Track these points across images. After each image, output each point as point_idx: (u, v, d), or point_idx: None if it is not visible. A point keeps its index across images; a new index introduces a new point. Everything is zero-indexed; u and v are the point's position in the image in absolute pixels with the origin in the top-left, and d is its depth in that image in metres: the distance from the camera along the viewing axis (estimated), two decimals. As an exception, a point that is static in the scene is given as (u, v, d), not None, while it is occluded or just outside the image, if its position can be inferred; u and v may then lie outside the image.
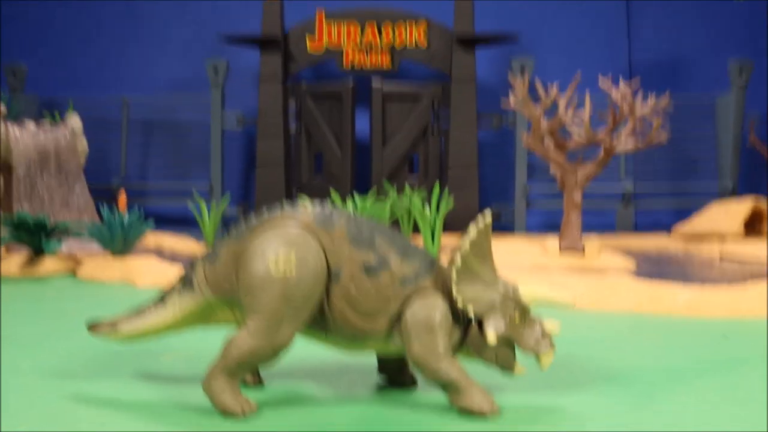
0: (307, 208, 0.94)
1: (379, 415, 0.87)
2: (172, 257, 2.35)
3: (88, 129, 2.94)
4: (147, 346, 1.13)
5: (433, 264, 0.96)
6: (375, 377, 1.01)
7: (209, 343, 1.17)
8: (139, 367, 1.07)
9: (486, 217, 0.94)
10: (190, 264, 0.98)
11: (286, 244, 0.90)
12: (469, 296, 0.92)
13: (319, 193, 2.95)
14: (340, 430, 0.81)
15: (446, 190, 2.53)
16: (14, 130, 2.56)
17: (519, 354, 0.93)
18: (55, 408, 0.86)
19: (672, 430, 0.88)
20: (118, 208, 2.19)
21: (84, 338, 1.11)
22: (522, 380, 0.98)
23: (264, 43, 3.35)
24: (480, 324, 0.92)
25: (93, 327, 0.99)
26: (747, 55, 3.36)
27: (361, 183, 3.26)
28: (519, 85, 2.32)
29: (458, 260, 0.91)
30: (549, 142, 2.29)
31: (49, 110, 3.00)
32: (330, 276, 0.91)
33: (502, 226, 3.26)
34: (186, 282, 0.97)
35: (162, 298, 0.99)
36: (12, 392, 0.91)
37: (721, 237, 2.57)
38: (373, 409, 0.89)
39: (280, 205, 0.97)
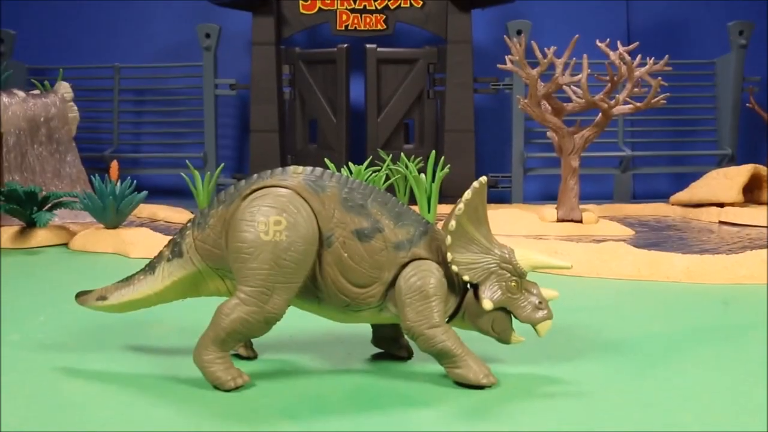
0: (297, 171, 0.92)
1: (374, 387, 0.85)
2: (166, 228, 2.33)
3: (79, 98, 2.90)
4: (137, 318, 1.12)
5: (427, 229, 0.93)
6: (370, 349, 0.99)
7: (201, 314, 1.15)
8: (130, 339, 1.05)
9: (482, 181, 0.91)
10: (179, 231, 0.95)
11: (276, 208, 0.87)
12: (465, 261, 0.89)
13: (313, 161, 2.92)
14: (333, 402, 0.79)
15: (442, 157, 2.50)
16: (2, 98, 2.52)
17: (516, 323, 0.91)
18: (44, 380, 0.85)
19: (673, 396, 0.86)
20: (110, 178, 2.16)
21: (75, 310, 1.09)
22: (519, 349, 0.96)
23: (256, 6, 3.30)
24: (476, 291, 0.90)
25: (81, 297, 0.97)
26: (747, 18, 3.33)
27: (357, 150, 3.23)
28: (515, 47, 2.28)
29: (453, 224, 0.88)
30: (546, 106, 2.26)
31: (37, 78, 2.95)
32: (321, 241, 0.88)
33: (500, 195, 3.24)
34: (175, 249, 0.94)
35: (151, 266, 0.96)
36: (2, 365, 0.89)
37: (720, 204, 2.55)
38: (368, 380, 0.88)
39: (270, 169, 0.94)
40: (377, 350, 0.99)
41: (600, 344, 1.09)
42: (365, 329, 1.01)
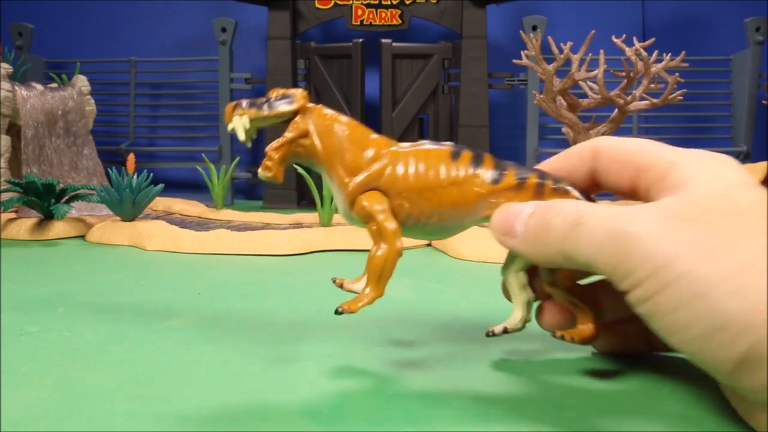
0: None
1: (393, 385, 0.86)
2: (182, 221, 2.35)
3: (96, 92, 2.92)
4: (153, 310, 1.13)
5: None
6: (389, 347, 0.99)
7: (218, 303, 1.16)
8: (145, 330, 1.06)
9: None
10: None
11: None
12: None
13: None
14: (352, 400, 0.80)
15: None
16: (21, 91, 2.54)
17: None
18: (64, 372, 0.86)
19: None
20: (126, 170, 2.18)
21: (93, 302, 1.10)
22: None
23: (272, 0, 3.32)
24: None
25: None
26: (764, 15, 3.31)
27: (371, 145, 3.24)
28: (531, 42, 2.28)
29: None
30: (561, 102, 2.26)
31: (55, 72, 2.98)
32: None
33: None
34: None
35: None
36: (21, 356, 0.91)
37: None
38: (387, 379, 0.88)
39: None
40: (395, 348, 0.99)
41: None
42: (380, 327, 1.01)
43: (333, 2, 3.34)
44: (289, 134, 0.70)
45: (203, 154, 2.91)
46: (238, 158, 2.84)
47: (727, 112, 3.43)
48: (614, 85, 2.32)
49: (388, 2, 3.29)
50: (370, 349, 0.95)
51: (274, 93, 0.72)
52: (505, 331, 0.77)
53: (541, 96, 2.26)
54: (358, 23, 3.32)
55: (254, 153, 3.88)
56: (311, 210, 2.68)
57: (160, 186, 2.22)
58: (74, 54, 3.73)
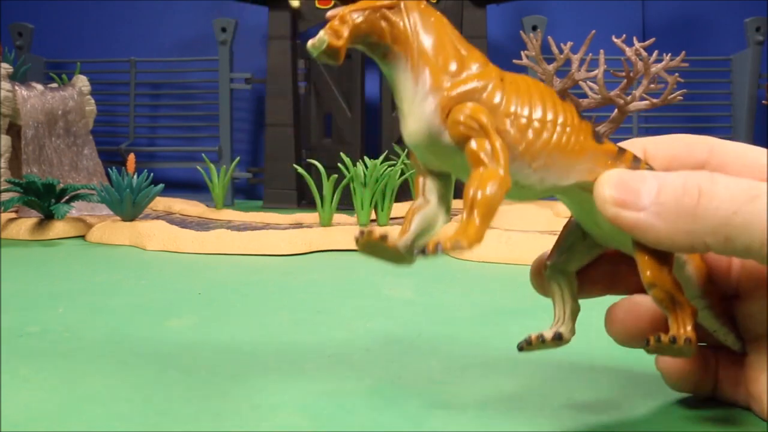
0: None
1: (393, 386, 0.86)
2: (182, 221, 2.35)
3: (96, 92, 2.92)
4: (152, 311, 1.13)
5: None
6: (388, 346, 0.99)
7: (218, 307, 1.16)
8: (145, 330, 1.06)
9: None
10: None
11: None
12: None
13: (328, 155, 2.93)
14: (352, 400, 0.80)
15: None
16: (21, 91, 2.54)
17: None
18: (64, 372, 0.86)
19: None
20: (127, 170, 2.19)
21: (93, 302, 1.10)
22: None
23: (272, 0, 3.32)
24: None
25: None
26: (765, 15, 3.31)
27: (372, 144, 3.24)
28: (532, 42, 2.28)
29: None
30: (562, 103, 2.26)
31: (55, 72, 2.98)
32: None
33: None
34: None
35: None
36: (21, 356, 0.91)
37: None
38: (387, 379, 0.88)
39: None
40: (396, 348, 0.99)
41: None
42: (384, 327, 1.01)
43: (333, 2, 3.35)
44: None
45: (203, 154, 2.91)
46: (238, 158, 2.84)
47: (727, 112, 3.43)
48: (614, 85, 2.31)
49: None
50: (370, 349, 0.95)
51: None
52: (542, 341, 0.62)
53: (541, 96, 2.26)
54: (359, 23, 3.32)
55: (254, 153, 3.88)
56: (311, 210, 2.68)
57: (160, 186, 2.22)
58: (74, 54, 3.73)
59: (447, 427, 0.64)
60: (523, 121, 0.53)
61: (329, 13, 0.52)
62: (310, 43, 0.52)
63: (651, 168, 0.58)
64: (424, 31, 0.54)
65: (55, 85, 2.75)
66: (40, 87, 2.64)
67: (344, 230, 1.94)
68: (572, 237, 0.63)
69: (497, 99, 0.53)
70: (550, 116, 0.54)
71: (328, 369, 0.84)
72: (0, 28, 3.59)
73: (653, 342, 0.55)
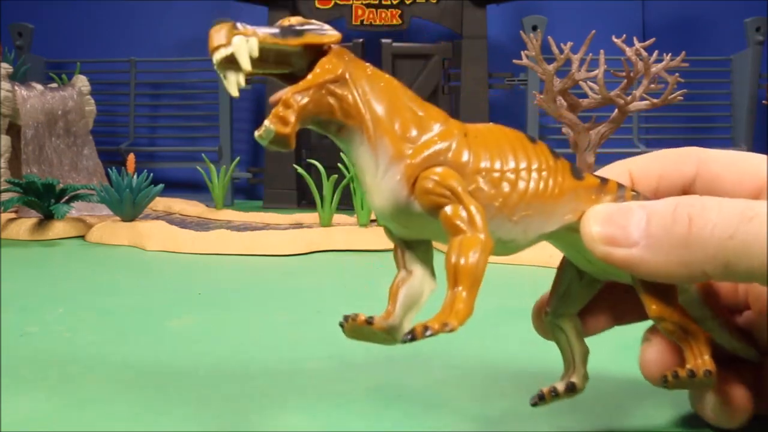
0: None
1: (393, 386, 0.86)
2: (182, 221, 2.35)
3: (96, 92, 2.92)
4: (152, 311, 1.13)
5: None
6: (389, 348, 0.99)
7: (218, 307, 1.16)
8: (145, 330, 1.06)
9: None
10: None
11: None
12: None
13: (328, 155, 2.93)
14: (352, 400, 0.80)
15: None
16: (21, 91, 2.54)
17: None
18: (63, 372, 0.86)
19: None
20: (127, 170, 2.19)
21: (93, 301, 1.10)
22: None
23: (272, 0, 3.32)
24: None
25: None
26: (765, 15, 3.31)
27: (371, 145, 3.24)
28: (532, 42, 2.28)
29: None
30: (562, 102, 2.26)
31: (55, 72, 2.98)
32: None
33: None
34: None
35: None
36: (22, 357, 0.91)
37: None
38: (387, 379, 0.88)
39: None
40: (396, 349, 0.99)
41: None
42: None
43: (333, 2, 3.35)
44: (319, 75, 0.49)
45: (203, 154, 2.91)
46: (238, 158, 2.84)
47: (727, 112, 3.42)
48: (614, 85, 2.31)
49: (388, 2, 3.29)
50: (370, 349, 0.95)
51: (287, 21, 0.50)
52: (555, 394, 0.59)
53: (542, 96, 2.26)
54: (359, 23, 3.32)
55: (254, 153, 3.88)
56: (311, 210, 2.68)
57: (160, 186, 2.22)
58: (74, 54, 3.72)
59: (447, 428, 0.64)
60: (496, 175, 0.51)
61: (272, 99, 0.48)
62: (257, 134, 0.48)
63: (638, 194, 0.56)
64: (376, 99, 0.50)
65: (55, 85, 2.75)
66: (40, 87, 2.64)
67: (344, 230, 1.93)
68: (568, 278, 0.60)
69: (464, 157, 0.50)
70: (523, 164, 0.52)
71: (328, 369, 0.83)
72: (0, 28, 3.59)
73: (671, 378, 0.53)
